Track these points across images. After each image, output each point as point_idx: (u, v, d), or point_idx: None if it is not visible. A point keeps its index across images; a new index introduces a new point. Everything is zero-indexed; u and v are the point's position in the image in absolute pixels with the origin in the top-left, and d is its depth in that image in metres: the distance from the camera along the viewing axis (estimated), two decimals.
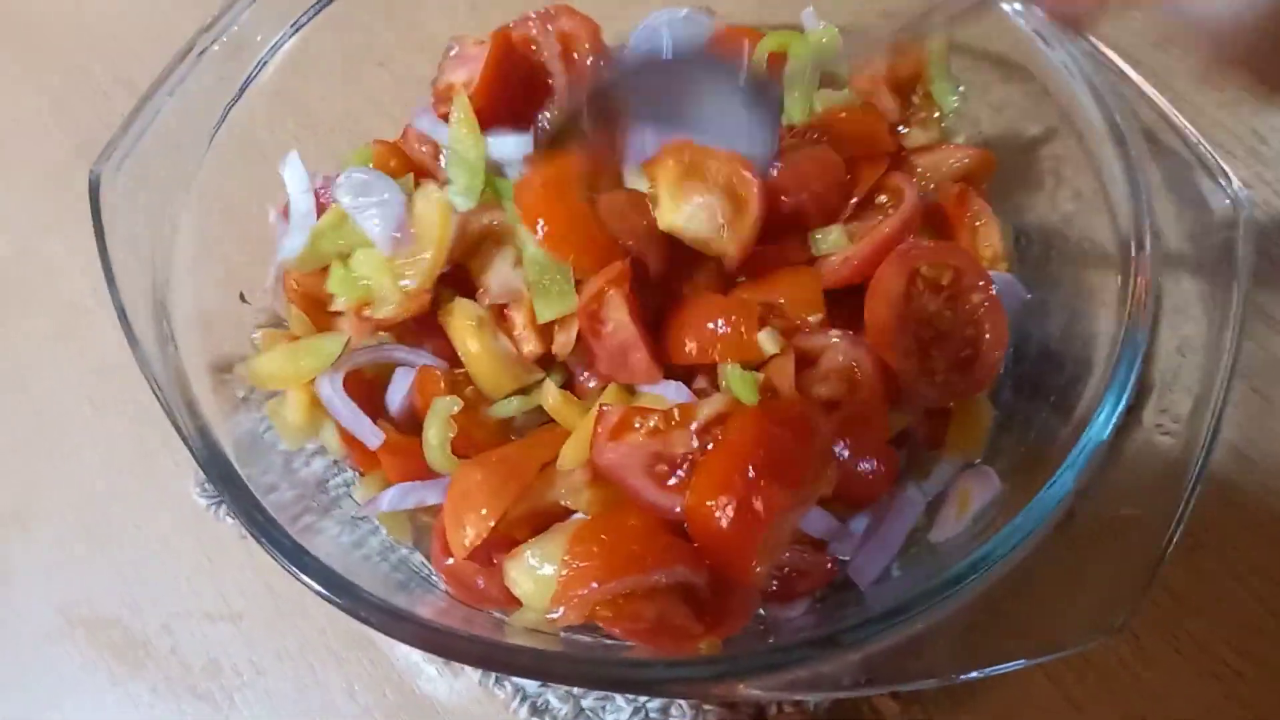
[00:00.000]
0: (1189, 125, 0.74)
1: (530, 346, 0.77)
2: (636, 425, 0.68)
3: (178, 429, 0.68)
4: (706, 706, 0.75)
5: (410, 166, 0.86)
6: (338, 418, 0.76)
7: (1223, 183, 0.72)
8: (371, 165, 0.85)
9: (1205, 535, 0.80)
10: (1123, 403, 0.61)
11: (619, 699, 0.76)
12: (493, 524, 0.66)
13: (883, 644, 0.57)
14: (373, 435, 0.75)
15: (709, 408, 0.68)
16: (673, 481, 0.66)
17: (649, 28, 0.97)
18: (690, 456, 0.67)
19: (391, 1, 1.00)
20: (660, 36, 0.97)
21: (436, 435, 0.71)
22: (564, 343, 0.76)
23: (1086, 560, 0.60)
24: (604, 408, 0.69)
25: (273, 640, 0.83)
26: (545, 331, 0.78)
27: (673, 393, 0.73)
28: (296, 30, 0.89)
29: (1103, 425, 0.60)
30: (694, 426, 0.68)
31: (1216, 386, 0.63)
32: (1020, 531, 0.58)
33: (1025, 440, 0.73)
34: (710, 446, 0.66)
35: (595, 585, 0.62)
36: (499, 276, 0.79)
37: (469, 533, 0.66)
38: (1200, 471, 0.61)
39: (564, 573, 0.64)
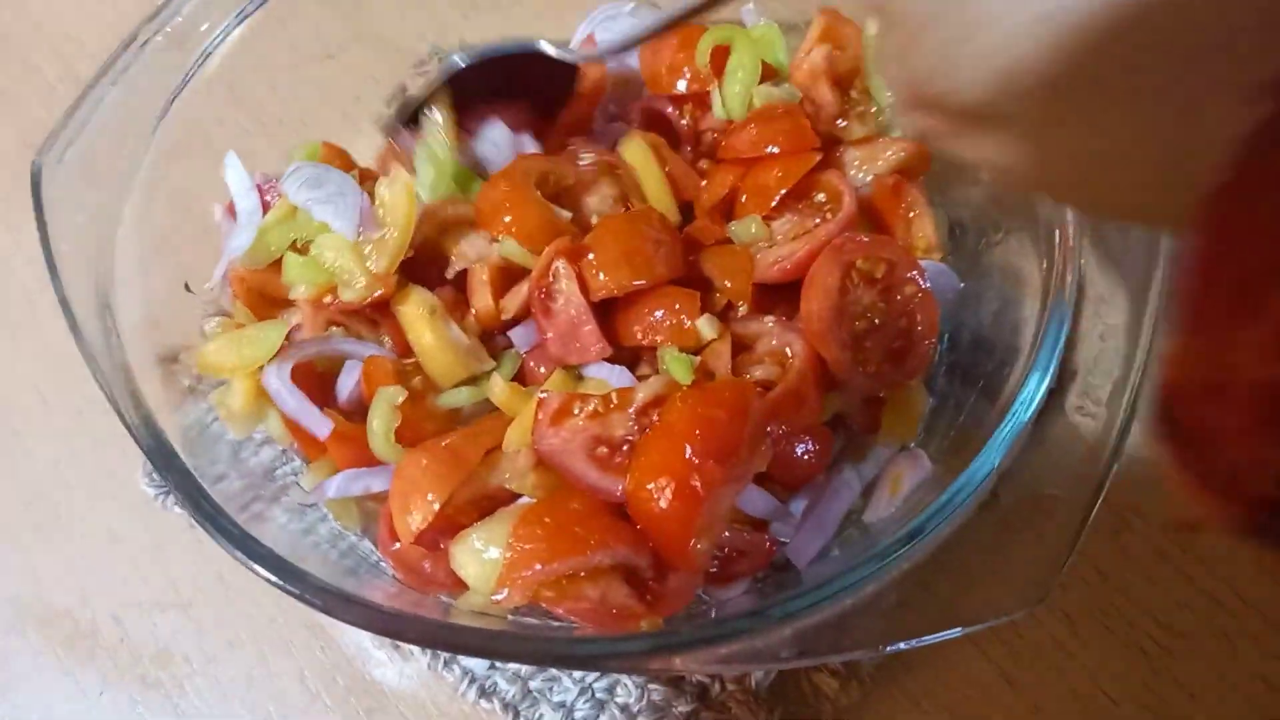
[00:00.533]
0: None
1: (483, 302, 0.79)
2: (576, 410, 0.70)
3: (123, 419, 0.68)
4: (652, 685, 0.77)
5: (352, 167, 0.88)
6: (285, 409, 0.76)
7: None
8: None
9: (1133, 516, 0.83)
10: (1043, 387, 0.63)
11: (566, 680, 0.78)
12: (437, 509, 0.67)
13: (814, 619, 0.58)
14: (321, 424, 0.75)
15: (646, 390, 0.70)
16: (616, 462, 0.68)
17: (595, 21, 0.98)
18: (630, 439, 0.68)
19: None
20: (608, 30, 0.98)
21: (381, 423, 0.72)
22: (513, 304, 0.78)
23: (1010, 538, 0.63)
24: (544, 394, 0.70)
25: (223, 628, 0.84)
26: (499, 292, 0.80)
27: (616, 376, 0.75)
28: (242, 21, 0.89)
29: (1024, 408, 0.63)
30: (632, 409, 0.69)
31: (1134, 371, 0.65)
32: (945, 510, 0.60)
33: (957, 424, 0.76)
34: (649, 429, 0.68)
35: (539, 567, 0.64)
36: (473, 245, 0.81)
37: (415, 518, 0.68)
38: (1116, 453, 0.63)
39: (508, 555, 0.65)
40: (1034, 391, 0.63)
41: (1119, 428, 0.64)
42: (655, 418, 0.67)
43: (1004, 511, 0.63)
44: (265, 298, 0.83)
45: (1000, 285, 0.81)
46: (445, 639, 0.60)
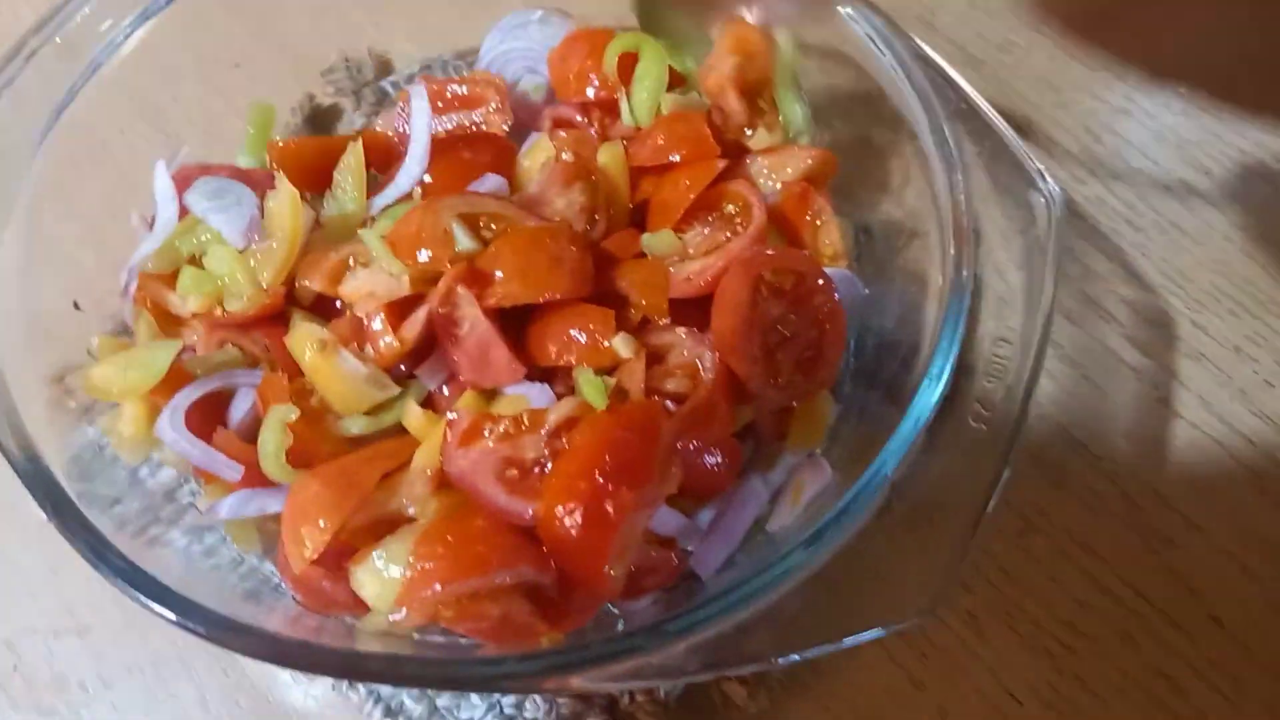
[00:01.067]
0: (1007, 127, 0.77)
1: (383, 343, 0.76)
2: (486, 432, 0.69)
3: (1, 448, 0.66)
4: (561, 699, 0.76)
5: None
6: (188, 458, 0.74)
7: (1040, 183, 0.75)
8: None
9: (1037, 517, 0.85)
10: (936, 395, 0.63)
11: (473, 697, 0.77)
12: (329, 538, 0.66)
13: (712, 631, 0.58)
14: (230, 469, 0.73)
15: (558, 412, 0.69)
16: (527, 484, 0.67)
17: (504, 29, 0.97)
18: (542, 461, 0.68)
19: (242, 2, 0.99)
20: (517, 38, 0.98)
21: (272, 443, 0.70)
22: (411, 333, 0.75)
23: (904, 545, 0.63)
24: (453, 415, 0.69)
25: (121, 653, 0.82)
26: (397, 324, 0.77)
27: (537, 394, 0.74)
28: (139, 26, 0.87)
29: (918, 414, 0.63)
30: (544, 431, 0.68)
31: (1024, 376, 0.66)
32: (840, 519, 0.60)
33: (861, 429, 0.76)
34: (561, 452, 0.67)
35: (439, 587, 0.63)
36: (362, 281, 0.78)
37: (307, 546, 0.66)
38: (1005, 459, 0.64)
39: (408, 574, 0.64)
40: (927, 400, 0.63)
41: (1008, 434, 0.65)
42: (566, 441, 0.66)
43: (898, 519, 0.64)
44: (166, 313, 0.81)
45: (904, 290, 0.82)
46: (341, 666, 0.59)
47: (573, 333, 0.74)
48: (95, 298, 0.84)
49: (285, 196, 0.78)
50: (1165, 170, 1.02)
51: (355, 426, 0.75)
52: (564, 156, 0.83)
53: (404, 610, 0.63)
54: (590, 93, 0.90)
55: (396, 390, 0.76)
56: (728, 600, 0.57)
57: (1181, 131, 1.04)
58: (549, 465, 0.67)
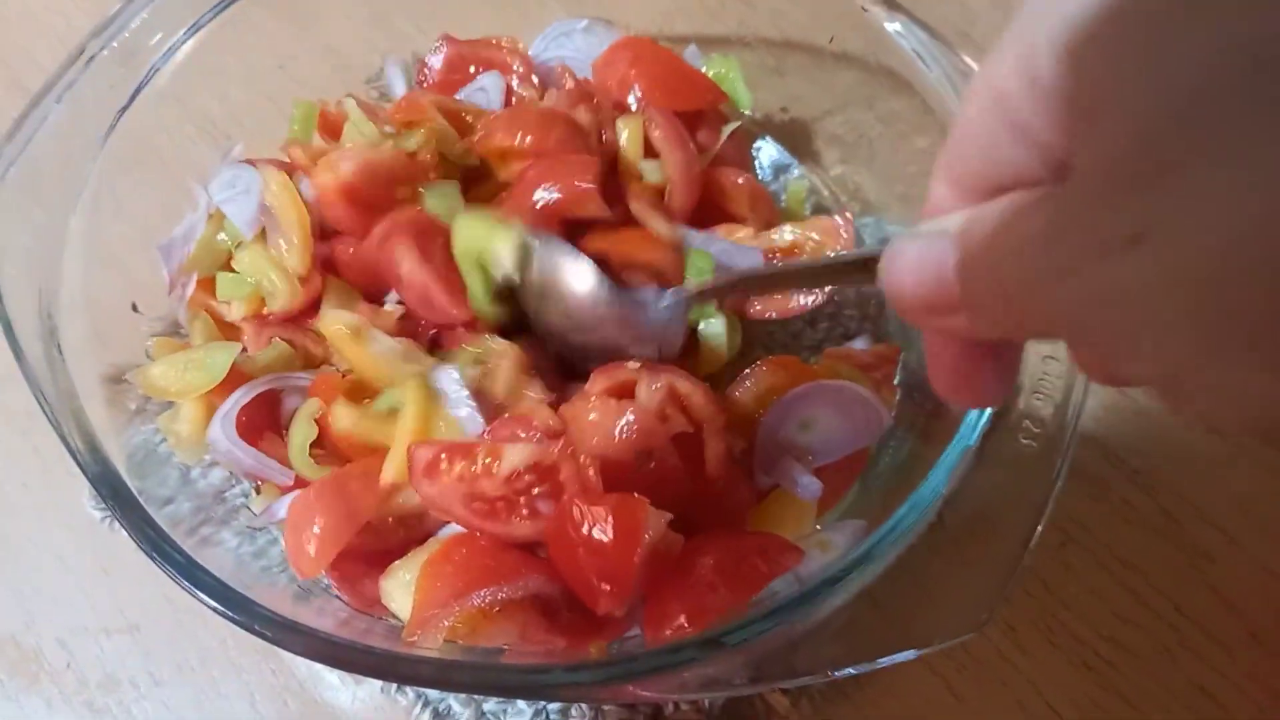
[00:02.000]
0: None
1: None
2: (443, 466, 0.68)
3: (66, 444, 0.67)
4: (606, 707, 0.77)
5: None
6: (241, 466, 0.76)
7: None
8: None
9: (1076, 530, 0.85)
10: (989, 410, 0.64)
11: (520, 702, 0.78)
12: (329, 561, 0.68)
13: (766, 644, 0.59)
14: (281, 475, 0.75)
15: (515, 456, 0.68)
16: (497, 510, 0.68)
17: (549, 37, 0.98)
18: (503, 499, 0.68)
19: (292, 5, 1.00)
20: (561, 46, 0.99)
21: (299, 438, 0.72)
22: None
23: (955, 559, 0.64)
24: (414, 447, 0.69)
25: (172, 652, 0.83)
26: None
27: (452, 386, 0.74)
28: (194, 33, 0.88)
29: (970, 431, 0.64)
30: (501, 474, 0.67)
31: (1075, 390, 0.67)
32: (893, 534, 0.61)
33: (909, 444, 0.77)
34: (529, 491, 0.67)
35: (449, 604, 0.63)
36: None
37: (309, 562, 0.69)
38: (1060, 473, 0.65)
39: (417, 596, 0.65)
40: (979, 414, 0.64)
41: (1062, 449, 0.65)
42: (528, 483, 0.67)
43: (949, 533, 0.65)
44: (220, 320, 0.82)
45: None
46: (393, 670, 0.60)
47: None
48: (148, 300, 0.85)
49: (274, 183, 0.79)
50: None
51: (386, 402, 0.76)
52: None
53: (419, 632, 0.64)
54: (632, 102, 0.91)
55: (431, 361, 0.77)
56: (787, 612, 0.58)
57: None
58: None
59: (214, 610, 0.62)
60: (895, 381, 0.81)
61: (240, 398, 0.76)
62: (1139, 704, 0.79)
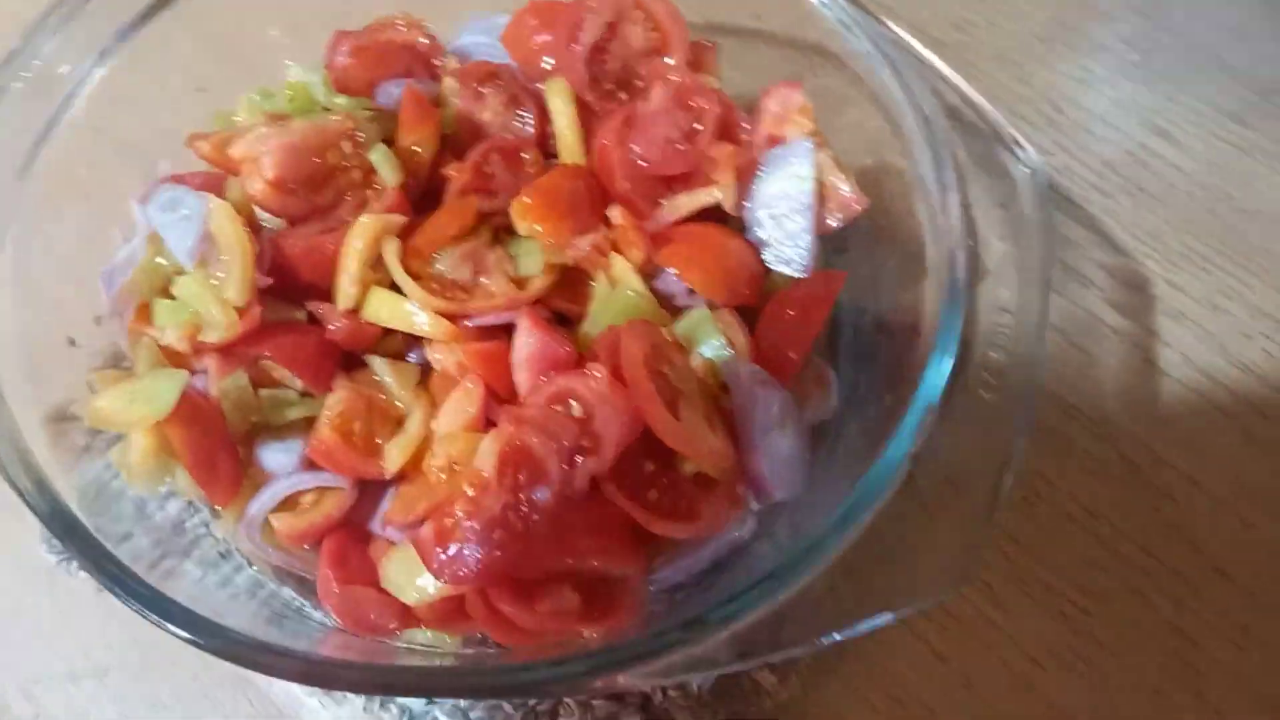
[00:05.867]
0: (986, 102, 0.79)
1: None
2: (450, 524, 0.66)
3: (14, 486, 0.65)
4: (596, 702, 0.76)
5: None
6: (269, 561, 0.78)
7: (1019, 153, 0.77)
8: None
9: (1041, 485, 0.86)
10: (947, 368, 0.65)
11: (506, 707, 0.77)
12: None
13: (750, 619, 0.59)
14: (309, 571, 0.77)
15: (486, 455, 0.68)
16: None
17: (472, 30, 0.97)
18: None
19: (204, 26, 0.97)
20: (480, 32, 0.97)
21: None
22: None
23: (930, 517, 0.64)
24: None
25: (143, 692, 0.81)
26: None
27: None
28: (105, 60, 0.86)
29: (931, 388, 0.64)
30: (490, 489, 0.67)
31: (1030, 342, 0.67)
32: (866, 498, 0.61)
33: (867, 412, 0.77)
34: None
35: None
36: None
37: None
38: (1027, 420, 0.65)
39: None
40: (939, 374, 0.65)
41: (1022, 399, 0.66)
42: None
43: (921, 493, 0.65)
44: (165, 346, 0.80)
45: (896, 271, 0.83)
46: (381, 681, 0.59)
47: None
48: (84, 333, 0.83)
49: (220, 212, 0.76)
50: (1127, 135, 1.04)
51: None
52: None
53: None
54: (548, 64, 0.89)
55: None
56: (767, 584, 0.58)
57: (1139, 98, 1.06)
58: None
59: (186, 641, 0.60)
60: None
61: (265, 504, 0.76)
62: (1115, 648, 0.80)
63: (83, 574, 0.83)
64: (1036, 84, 1.08)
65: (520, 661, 0.61)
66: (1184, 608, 0.81)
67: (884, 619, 0.60)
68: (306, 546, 0.77)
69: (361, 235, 0.76)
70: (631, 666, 0.57)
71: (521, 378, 0.74)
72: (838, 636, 0.59)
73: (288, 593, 0.77)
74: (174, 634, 0.61)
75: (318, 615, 0.75)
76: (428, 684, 0.58)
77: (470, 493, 0.66)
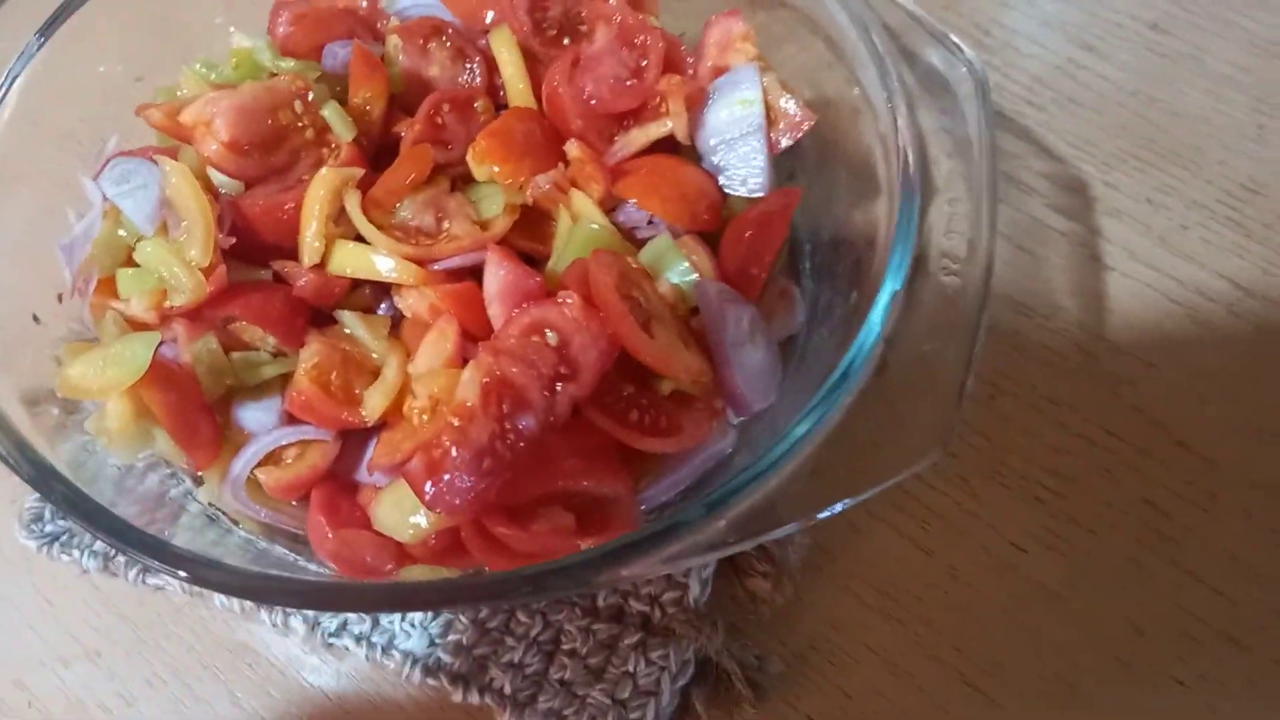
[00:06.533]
0: (921, 11, 0.81)
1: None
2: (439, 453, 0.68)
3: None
4: (596, 625, 0.77)
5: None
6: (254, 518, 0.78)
7: (957, 55, 0.79)
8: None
9: (1003, 381, 0.89)
10: (909, 249, 0.67)
11: (509, 639, 0.77)
12: None
13: (744, 503, 0.60)
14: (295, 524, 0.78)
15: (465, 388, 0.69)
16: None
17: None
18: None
19: (137, 10, 0.97)
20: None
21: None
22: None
23: (903, 396, 0.66)
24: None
25: (138, 669, 0.80)
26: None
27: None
28: (32, 54, 0.85)
29: (896, 272, 0.66)
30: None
31: (983, 226, 0.70)
32: (845, 379, 0.63)
33: (833, 317, 0.79)
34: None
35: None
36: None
37: None
38: (985, 302, 0.68)
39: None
40: (902, 257, 0.67)
41: (981, 278, 0.68)
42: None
43: (895, 373, 0.67)
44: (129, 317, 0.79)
45: (846, 186, 0.85)
46: (396, 597, 0.60)
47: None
48: (47, 311, 0.82)
49: (177, 174, 0.77)
50: (1054, 52, 1.08)
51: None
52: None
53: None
54: (489, 17, 0.90)
55: None
56: (759, 464, 0.59)
57: (1063, 15, 1.10)
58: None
59: (203, 584, 0.60)
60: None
61: (249, 461, 0.76)
62: (1091, 525, 0.83)
63: (65, 557, 0.83)
64: (963, 9, 1.11)
65: (529, 567, 0.61)
66: (1152, 481, 0.84)
67: (875, 489, 0.61)
68: (294, 501, 0.77)
69: (323, 188, 0.77)
70: (634, 559, 0.58)
71: (495, 311, 0.75)
72: (839, 507, 0.61)
73: (279, 550, 0.76)
74: (181, 578, 0.60)
75: (313, 568, 0.75)
76: (441, 597, 0.59)
77: (456, 424, 0.67)
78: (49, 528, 0.83)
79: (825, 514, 0.61)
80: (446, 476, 0.66)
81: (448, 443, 0.66)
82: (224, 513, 0.78)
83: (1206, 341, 0.91)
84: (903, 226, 0.68)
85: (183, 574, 0.60)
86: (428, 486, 0.66)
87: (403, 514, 0.70)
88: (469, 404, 0.68)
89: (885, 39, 0.79)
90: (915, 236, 0.68)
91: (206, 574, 0.61)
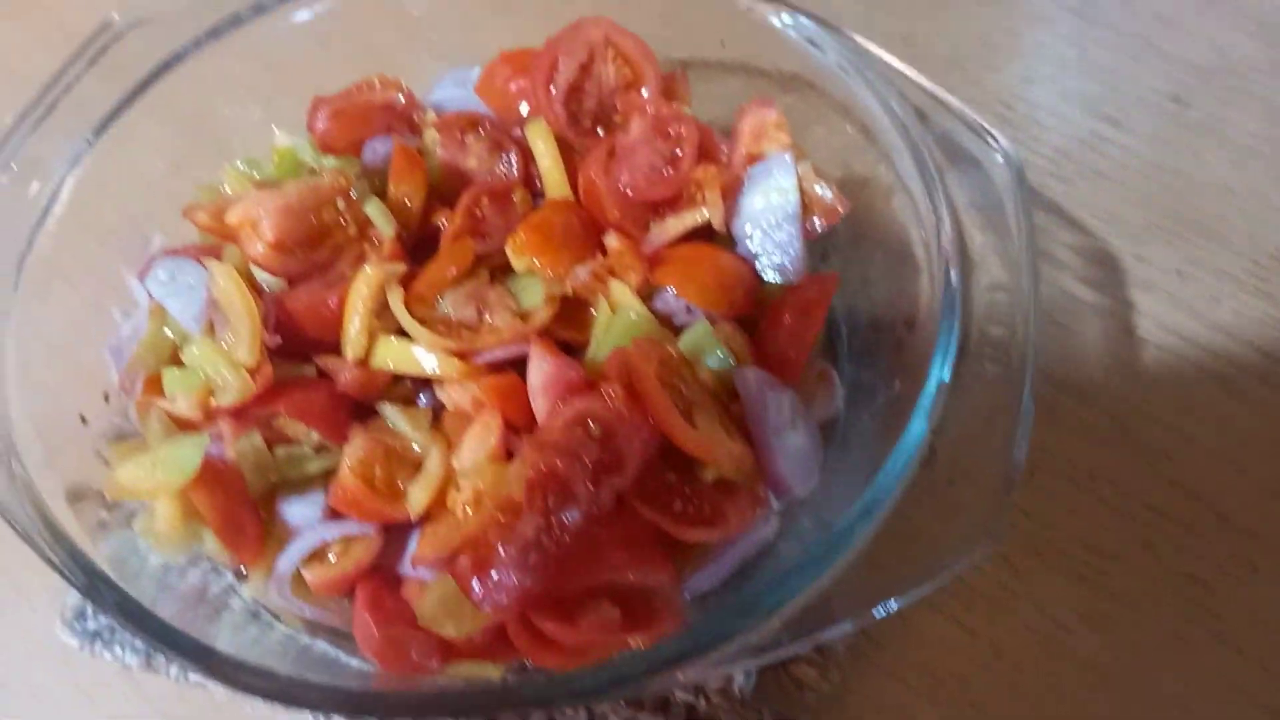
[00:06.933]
0: (954, 98, 0.83)
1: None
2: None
3: (49, 560, 0.65)
4: (640, 716, 0.77)
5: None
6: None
7: (992, 143, 0.81)
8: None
9: (1040, 457, 0.89)
10: (953, 341, 0.67)
11: None
12: None
13: (796, 604, 0.60)
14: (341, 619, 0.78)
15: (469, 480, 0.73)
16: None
17: (445, 85, 0.99)
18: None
19: (177, 109, 0.99)
20: (457, 85, 1.00)
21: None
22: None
23: (956, 486, 0.66)
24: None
25: None
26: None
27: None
28: (79, 157, 0.87)
29: (941, 365, 0.67)
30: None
31: (1026, 315, 0.71)
32: (893, 475, 0.63)
33: (875, 402, 0.80)
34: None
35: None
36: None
37: None
38: (1029, 385, 0.68)
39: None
40: (945, 350, 0.67)
41: (1024, 365, 0.69)
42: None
43: (943, 465, 0.67)
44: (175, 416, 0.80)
45: (882, 268, 0.86)
46: (444, 704, 0.59)
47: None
48: (94, 411, 0.83)
49: (224, 276, 0.78)
50: (1077, 125, 1.09)
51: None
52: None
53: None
54: (524, 109, 0.92)
55: None
56: (812, 566, 0.59)
57: (1084, 89, 1.12)
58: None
59: (251, 691, 0.60)
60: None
61: (295, 558, 0.76)
62: (1134, 601, 0.83)
63: (106, 656, 0.83)
64: (986, 86, 1.13)
65: (580, 670, 0.61)
66: (1193, 555, 0.84)
67: (929, 585, 0.61)
68: (339, 596, 0.77)
69: (366, 285, 0.77)
70: (692, 661, 0.58)
71: (540, 404, 0.75)
72: (894, 605, 0.60)
73: (321, 646, 0.76)
74: (238, 686, 0.60)
75: (354, 663, 0.75)
76: (491, 701, 0.58)
77: (502, 520, 0.67)
78: (91, 625, 0.83)
79: (880, 612, 0.60)
80: (494, 574, 0.66)
81: (494, 540, 0.67)
82: (266, 608, 0.77)
83: (1241, 412, 0.91)
84: (946, 319, 0.69)
85: (242, 688, 0.60)
86: (475, 585, 0.66)
87: (448, 610, 0.70)
88: (515, 498, 0.68)
89: (916, 123, 0.81)
90: (959, 327, 0.69)
91: (253, 682, 0.60)
